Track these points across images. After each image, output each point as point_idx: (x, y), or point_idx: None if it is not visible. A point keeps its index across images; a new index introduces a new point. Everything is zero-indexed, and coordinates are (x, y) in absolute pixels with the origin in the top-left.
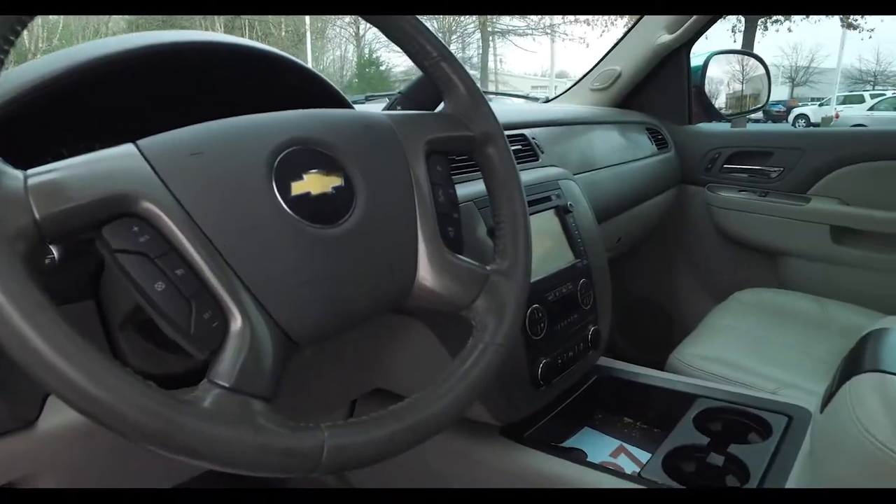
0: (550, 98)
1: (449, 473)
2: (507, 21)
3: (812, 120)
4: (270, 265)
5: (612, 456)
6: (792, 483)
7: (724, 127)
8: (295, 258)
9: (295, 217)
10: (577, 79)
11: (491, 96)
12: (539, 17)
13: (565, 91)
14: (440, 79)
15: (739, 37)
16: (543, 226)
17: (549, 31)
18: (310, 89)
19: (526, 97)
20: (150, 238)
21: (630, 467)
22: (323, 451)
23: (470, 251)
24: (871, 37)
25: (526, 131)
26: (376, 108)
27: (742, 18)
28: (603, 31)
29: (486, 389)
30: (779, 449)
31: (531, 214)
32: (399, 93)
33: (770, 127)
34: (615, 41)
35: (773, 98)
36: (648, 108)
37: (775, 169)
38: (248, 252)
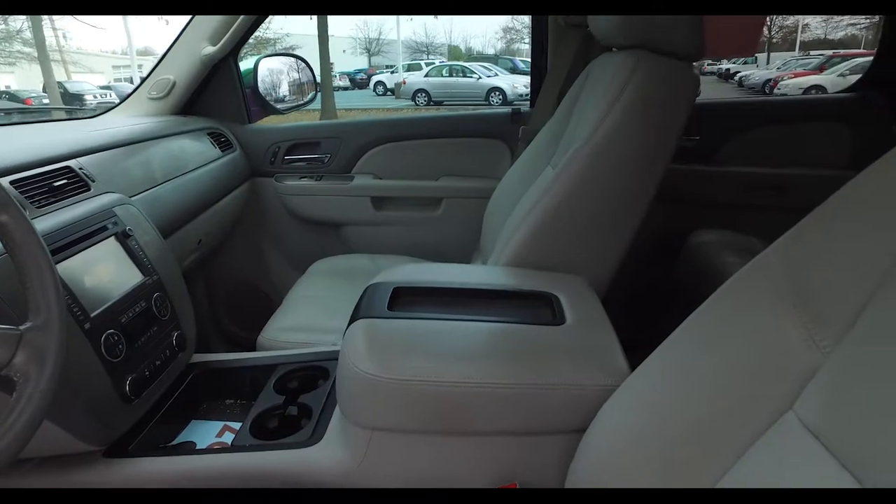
0: (104, 111)
1: None
2: None
3: (388, 86)
4: None
5: (217, 437)
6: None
7: (281, 124)
8: None
9: None
10: (133, 88)
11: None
12: None
13: (122, 101)
14: None
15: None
16: (104, 254)
17: None
18: None
19: (72, 118)
20: None
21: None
22: None
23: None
24: (411, 19)
25: (72, 162)
26: None
27: None
28: None
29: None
30: (332, 387)
31: (90, 247)
32: None
33: (314, 122)
34: (166, 49)
35: (356, 67)
36: (210, 112)
37: (325, 155)
38: None
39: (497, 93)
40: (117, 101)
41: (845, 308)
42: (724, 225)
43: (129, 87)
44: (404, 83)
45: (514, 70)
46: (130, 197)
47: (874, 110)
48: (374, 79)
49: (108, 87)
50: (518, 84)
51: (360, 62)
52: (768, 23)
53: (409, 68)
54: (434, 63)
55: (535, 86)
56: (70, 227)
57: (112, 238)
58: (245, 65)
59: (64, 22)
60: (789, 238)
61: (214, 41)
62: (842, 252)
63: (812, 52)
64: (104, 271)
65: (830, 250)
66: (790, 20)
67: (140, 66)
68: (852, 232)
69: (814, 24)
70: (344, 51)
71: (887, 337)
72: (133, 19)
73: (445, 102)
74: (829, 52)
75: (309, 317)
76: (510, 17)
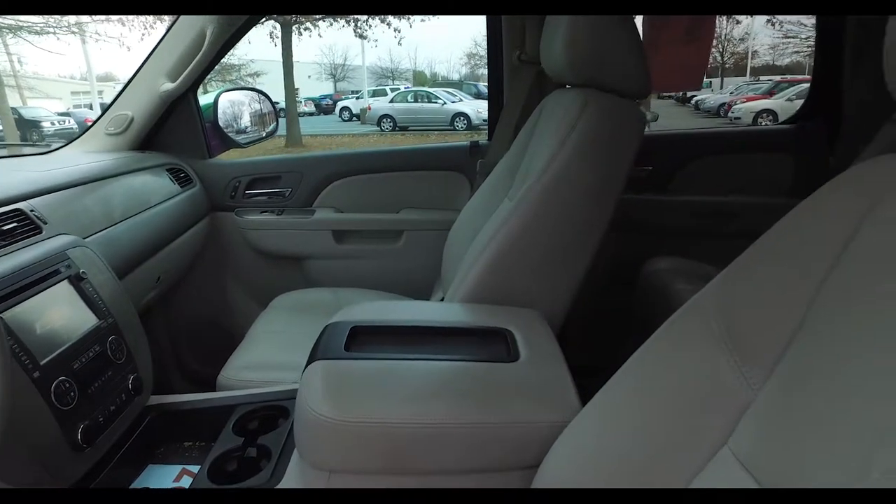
0: (60, 146)
1: None
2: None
3: (354, 111)
4: None
5: (175, 481)
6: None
7: (241, 159)
8: None
9: None
10: (91, 122)
11: None
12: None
13: (79, 136)
14: None
15: (279, 41)
16: (57, 299)
17: (75, 29)
18: None
19: (25, 154)
20: None
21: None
22: None
23: None
24: (376, 45)
25: (23, 204)
26: None
27: (278, 25)
28: (143, 35)
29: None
30: (291, 428)
31: (41, 292)
32: None
33: (275, 156)
34: (124, 84)
35: (321, 92)
36: (169, 147)
37: (286, 189)
38: None
39: (461, 118)
40: (76, 127)
41: (772, 345)
42: (676, 252)
43: (88, 114)
44: (369, 109)
45: (478, 95)
46: (86, 237)
47: (812, 140)
48: (340, 104)
49: (66, 114)
50: (482, 109)
51: (326, 87)
52: (720, 49)
53: (375, 94)
54: (399, 89)
55: (493, 119)
56: (20, 273)
57: (65, 281)
58: (207, 98)
59: (19, 47)
60: (720, 280)
61: (173, 77)
62: (765, 292)
63: (762, 78)
64: (56, 316)
65: (755, 291)
66: (741, 47)
67: (101, 93)
68: (774, 274)
69: (762, 51)
70: (309, 76)
71: (810, 371)
72: (92, 44)
73: (411, 128)
74: (778, 78)
75: (270, 353)
76: (474, 43)
